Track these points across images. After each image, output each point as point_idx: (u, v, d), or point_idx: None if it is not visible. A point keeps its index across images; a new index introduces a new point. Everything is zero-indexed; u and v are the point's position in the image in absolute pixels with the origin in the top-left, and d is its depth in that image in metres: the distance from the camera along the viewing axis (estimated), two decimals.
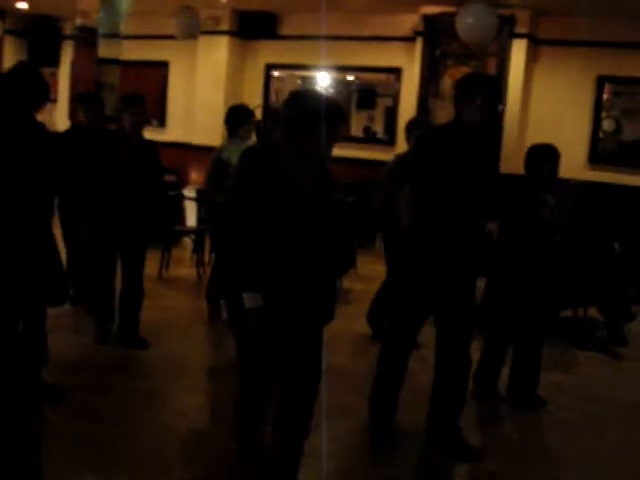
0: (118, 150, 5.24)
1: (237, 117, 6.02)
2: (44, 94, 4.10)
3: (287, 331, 3.07)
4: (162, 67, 11.76)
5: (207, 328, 6.24)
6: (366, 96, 11.87)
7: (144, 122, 5.38)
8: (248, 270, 2.97)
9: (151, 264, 7.67)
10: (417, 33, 9.54)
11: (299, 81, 11.86)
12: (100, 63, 8.13)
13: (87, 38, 8.91)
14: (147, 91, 11.31)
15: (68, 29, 12.66)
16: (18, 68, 4.48)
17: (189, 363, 5.30)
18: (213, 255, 6.60)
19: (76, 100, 6.18)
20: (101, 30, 7.78)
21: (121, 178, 5.16)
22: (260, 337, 3.02)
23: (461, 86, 3.95)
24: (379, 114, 11.77)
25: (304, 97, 3.16)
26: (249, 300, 2.95)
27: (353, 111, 11.87)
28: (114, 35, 7.77)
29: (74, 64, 9.55)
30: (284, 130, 3.09)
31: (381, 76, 10.79)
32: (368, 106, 11.89)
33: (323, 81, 11.17)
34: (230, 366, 4.93)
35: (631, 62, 8.78)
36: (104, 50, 7.78)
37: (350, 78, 11.61)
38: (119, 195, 5.18)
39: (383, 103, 11.45)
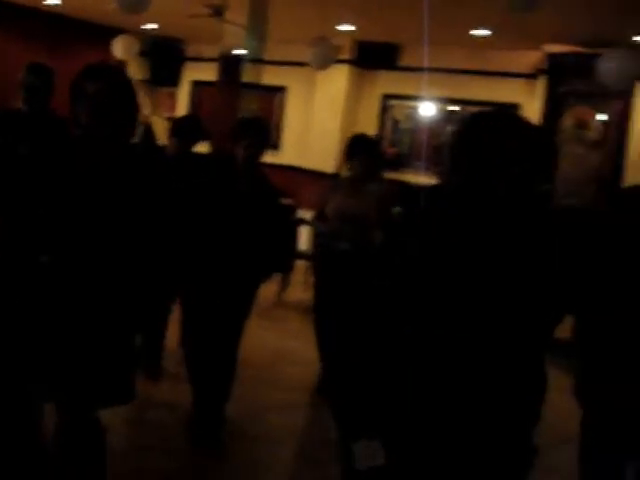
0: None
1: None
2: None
3: None
4: (280, 92, 12.10)
5: None
6: None
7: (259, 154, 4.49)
8: (367, 399, 1.97)
9: (269, 287, 7.96)
10: (539, 70, 9.57)
11: (407, 111, 11.98)
12: (243, 87, 8.48)
13: (229, 63, 9.30)
14: (265, 114, 11.70)
15: (191, 51, 13.19)
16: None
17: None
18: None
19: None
20: (246, 55, 8.09)
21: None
22: None
23: None
24: None
25: (497, 123, 2.15)
26: (363, 455, 1.95)
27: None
28: (257, 60, 8.07)
29: (217, 89, 9.98)
30: (459, 168, 2.15)
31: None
32: None
33: (427, 111, 11.25)
34: None
35: None
36: (247, 75, 8.08)
37: (452, 108, 11.51)
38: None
39: None
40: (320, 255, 5.44)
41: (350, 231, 5.02)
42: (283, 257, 5.20)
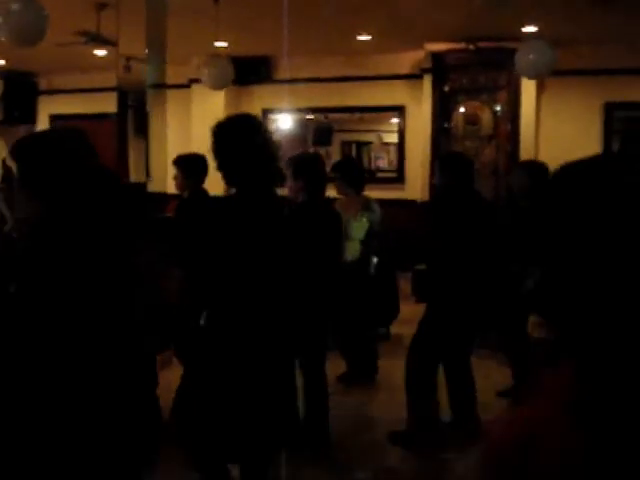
0: None
1: None
2: None
3: None
4: None
5: None
6: (322, 133, 11.43)
7: None
8: None
9: None
10: (424, 70, 9.53)
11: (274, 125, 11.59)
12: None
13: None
14: None
15: (45, 84, 12.30)
16: None
17: None
18: None
19: None
20: (148, 81, 7.53)
21: None
22: None
23: None
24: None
25: None
26: None
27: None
28: (160, 85, 7.54)
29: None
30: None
31: (381, 114, 10.76)
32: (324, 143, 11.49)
33: (285, 123, 11.06)
34: None
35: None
36: (151, 101, 7.52)
37: (309, 117, 11.27)
38: None
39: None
40: None
41: None
42: None
